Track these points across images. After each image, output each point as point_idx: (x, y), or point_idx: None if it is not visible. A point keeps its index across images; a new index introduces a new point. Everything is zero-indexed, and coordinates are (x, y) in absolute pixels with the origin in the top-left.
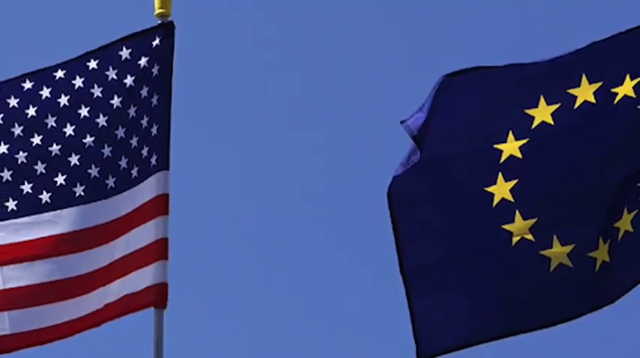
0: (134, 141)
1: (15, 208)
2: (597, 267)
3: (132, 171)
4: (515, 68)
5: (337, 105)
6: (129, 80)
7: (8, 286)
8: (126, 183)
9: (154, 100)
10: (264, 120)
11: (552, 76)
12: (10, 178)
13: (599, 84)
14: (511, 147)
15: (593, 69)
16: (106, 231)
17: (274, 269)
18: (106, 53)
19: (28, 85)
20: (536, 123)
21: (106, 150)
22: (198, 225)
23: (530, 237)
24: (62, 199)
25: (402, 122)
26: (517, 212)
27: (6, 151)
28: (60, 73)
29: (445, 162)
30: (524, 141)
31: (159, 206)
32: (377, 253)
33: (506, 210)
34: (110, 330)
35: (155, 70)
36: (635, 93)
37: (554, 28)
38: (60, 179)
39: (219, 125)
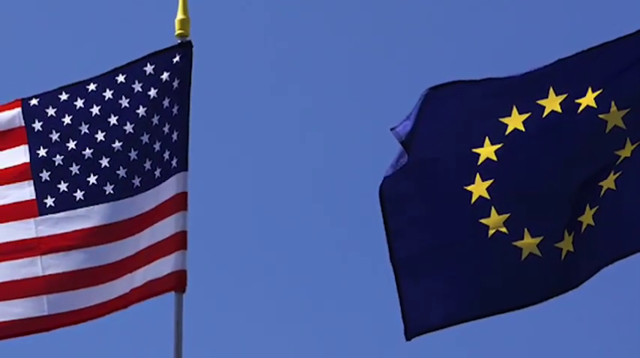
0: (157, 146)
1: (53, 204)
2: (563, 256)
3: (155, 172)
4: (491, 81)
5: (337, 115)
6: (152, 92)
7: (47, 273)
8: (150, 182)
9: (175, 110)
10: (271, 126)
11: (523, 89)
12: (48, 178)
13: (564, 95)
14: (487, 151)
15: (560, 82)
16: (133, 225)
17: (281, 258)
18: (133, 68)
19: (64, 96)
20: (509, 130)
21: (133, 154)
22: (213, 219)
23: (504, 229)
24: (94, 197)
25: (392, 129)
26: (493, 208)
27: (45, 155)
28: (92, 86)
29: (430, 164)
30: (499, 145)
31: (179, 202)
32: (370, 244)
33: (483, 206)
34: (136, 312)
35: (175, 84)
36: (596, 104)
37: (530, 43)
38: (92, 179)
39: (231, 131)
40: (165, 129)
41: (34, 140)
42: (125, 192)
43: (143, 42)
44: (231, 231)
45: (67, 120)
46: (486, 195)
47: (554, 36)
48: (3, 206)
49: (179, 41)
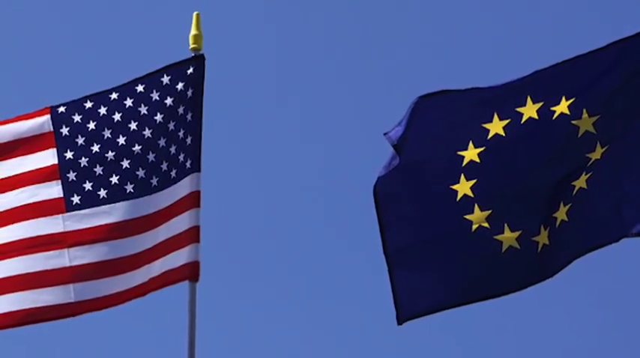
0: (173, 149)
1: (79, 202)
2: (539, 249)
3: (171, 173)
4: (474, 91)
5: (336, 121)
6: (169, 101)
7: (74, 264)
8: (166, 182)
9: (189, 116)
10: (275, 130)
11: (504, 97)
12: (74, 178)
13: (541, 103)
14: (471, 153)
15: (536, 91)
16: (151, 221)
17: (285, 250)
18: (151, 79)
19: (88, 104)
20: (491, 134)
21: (151, 156)
22: (223, 215)
23: (486, 224)
24: (116, 195)
25: (385, 134)
26: (476, 205)
27: (71, 157)
28: (114, 95)
29: (419, 166)
30: (482, 149)
31: (192, 200)
32: (366, 237)
33: (467, 204)
34: (153, 299)
35: (189, 93)
36: (570, 111)
37: (510, 56)
38: (114, 179)
39: (239, 135)
40: (180, 133)
41: (61, 144)
42: (144, 191)
43: (160, 55)
44: (240, 226)
45: (91, 125)
46: (470, 194)
47: (532, 49)
48: (34, 203)
49: (193, 54)
